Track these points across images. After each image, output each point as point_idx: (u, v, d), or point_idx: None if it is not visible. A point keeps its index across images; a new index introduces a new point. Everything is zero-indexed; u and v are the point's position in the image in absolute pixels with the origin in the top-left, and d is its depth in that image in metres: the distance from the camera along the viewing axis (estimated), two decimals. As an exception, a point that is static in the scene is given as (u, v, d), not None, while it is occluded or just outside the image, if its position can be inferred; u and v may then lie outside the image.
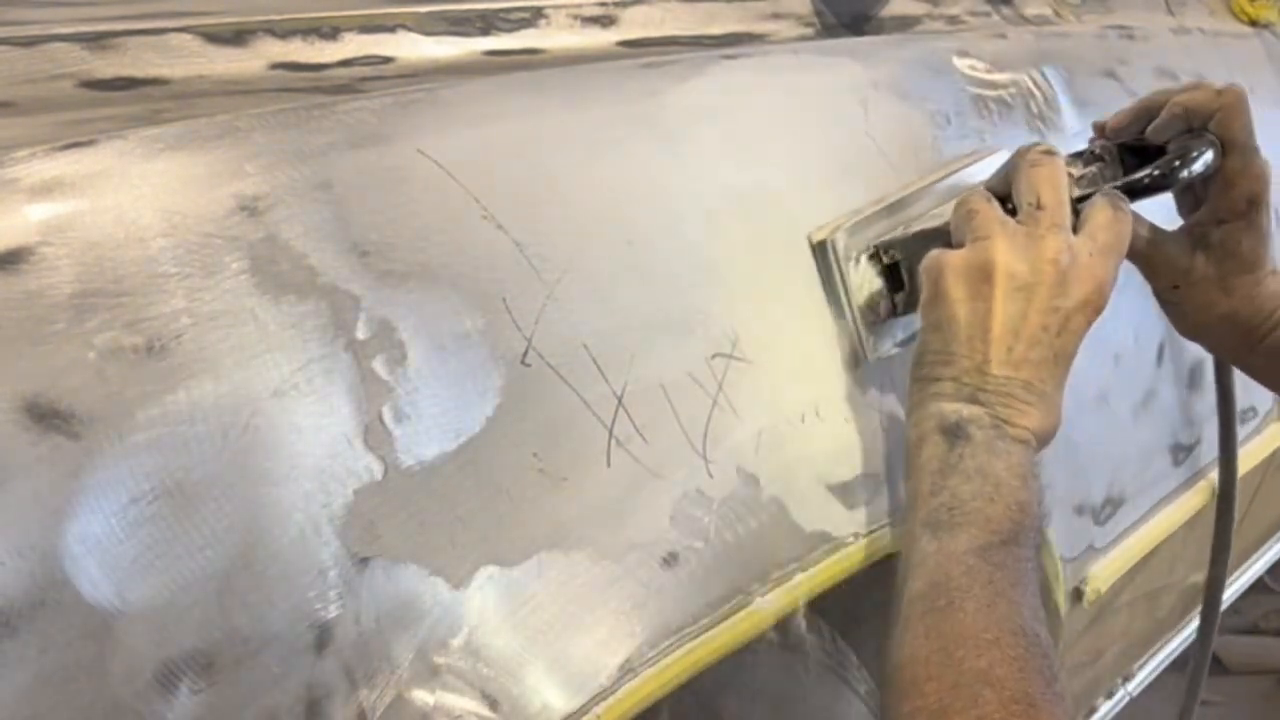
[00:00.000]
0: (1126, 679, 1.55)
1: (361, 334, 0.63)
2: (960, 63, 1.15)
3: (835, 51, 1.07)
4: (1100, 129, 1.06)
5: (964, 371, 0.82)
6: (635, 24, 0.98)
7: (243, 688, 0.57)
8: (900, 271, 0.92)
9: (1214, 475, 1.40)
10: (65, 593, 0.52)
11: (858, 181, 0.96)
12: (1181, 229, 1.04)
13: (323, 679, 0.60)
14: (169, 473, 0.55)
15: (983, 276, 0.83)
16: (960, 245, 0.86)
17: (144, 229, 0.58)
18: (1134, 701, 1.56)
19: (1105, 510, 1.25)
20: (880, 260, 0.92)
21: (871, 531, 0.87)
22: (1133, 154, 1.03)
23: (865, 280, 0.92)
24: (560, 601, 0.70)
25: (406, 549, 0.64)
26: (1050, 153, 0.89)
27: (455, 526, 0.66)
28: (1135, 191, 0.96)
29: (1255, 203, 1.01)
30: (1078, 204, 0.89)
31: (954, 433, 0.80)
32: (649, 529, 0.75)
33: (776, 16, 1.10)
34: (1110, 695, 1.56)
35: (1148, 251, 1.03)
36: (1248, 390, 1.52)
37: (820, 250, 0.90)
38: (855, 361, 0.91)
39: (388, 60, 0.81)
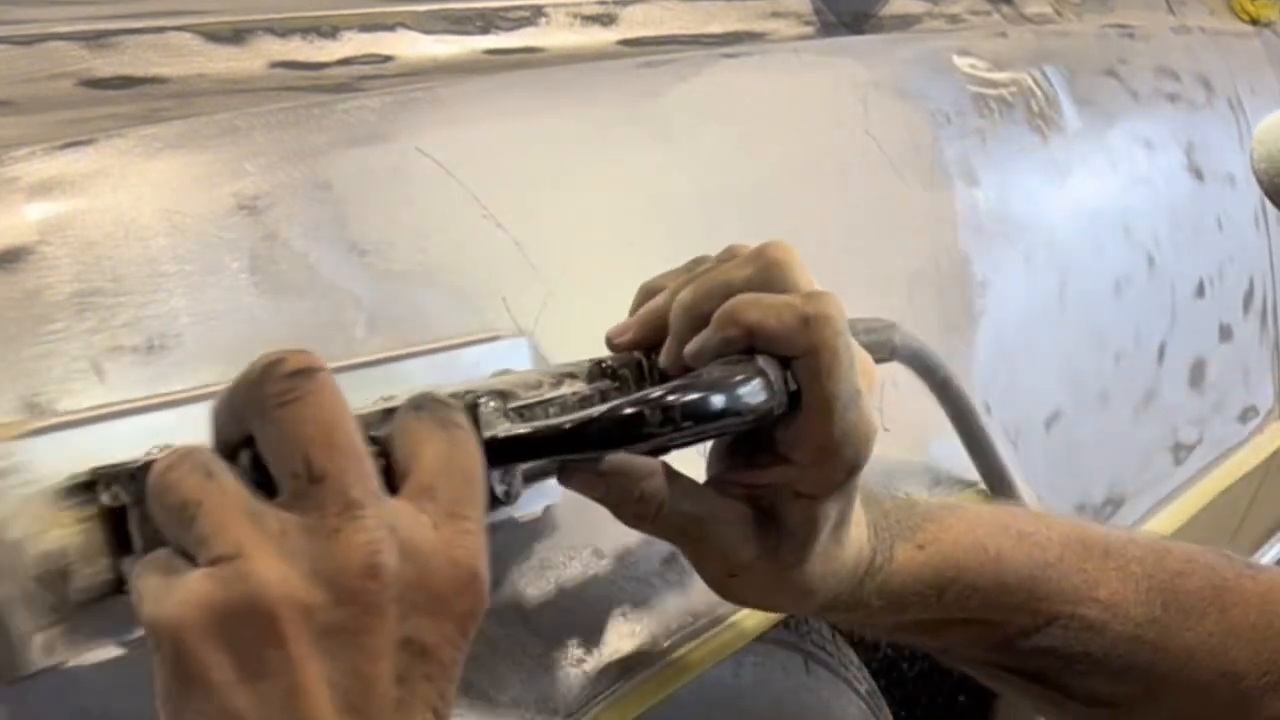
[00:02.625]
0: (1126, 678, 1.55)
1: (361, 334, 0.63)
2: (961, 61, 1.15)
3: (835, 50, 1.07)
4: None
5: None
6: (635, 23, 0.98)
7: (242, 688, 0.57)
8: (129, 525, 0.48)
9: (1216, 474, 1.40)
10: (64, 593, 0.52)
11: (858, 181, 0.96)
12: (735, 495, 0.63)
13: (322, 679, 0.60)
14: (168, 472, 0.55)
15: (258, 634, 0.42)
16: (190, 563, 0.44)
17: (143, 228, 0.57)
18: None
19: (1105, 510, 1.25)
20: (99, 499, 0.48)
21: (872, 531, 0.87)
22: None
23: (64, 532, 0.48)
24: (560, 601, 0.70)
25: (406, 549, 0.64)
26: (305, 371, 0.44)
27: (455, 526, 0.66)
28: (565, 442, 0.54)
29: (855, 470, 0.62)
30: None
31: None
32: (649, 529, 0.74)
33: (776, 15, 1.10)
34: (1110, 695, 1.55)
35: (692, 535, 0.63)
36: (1249, 389, 1.53)
37: None
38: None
39: (387, 59, 0.81)
